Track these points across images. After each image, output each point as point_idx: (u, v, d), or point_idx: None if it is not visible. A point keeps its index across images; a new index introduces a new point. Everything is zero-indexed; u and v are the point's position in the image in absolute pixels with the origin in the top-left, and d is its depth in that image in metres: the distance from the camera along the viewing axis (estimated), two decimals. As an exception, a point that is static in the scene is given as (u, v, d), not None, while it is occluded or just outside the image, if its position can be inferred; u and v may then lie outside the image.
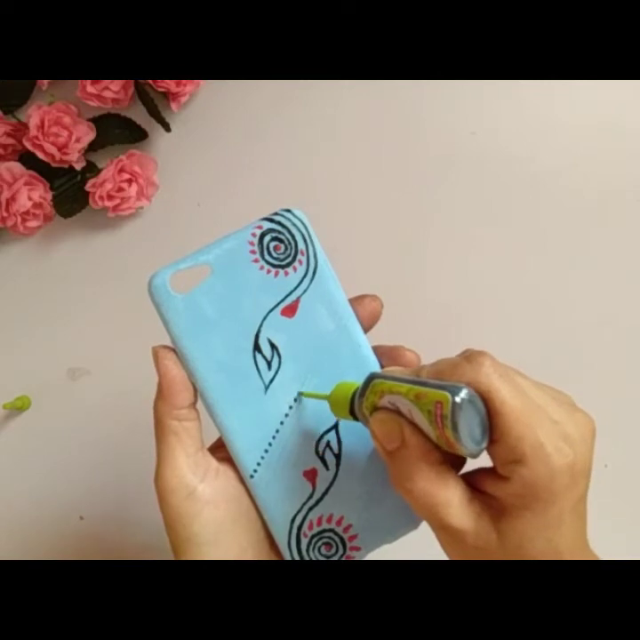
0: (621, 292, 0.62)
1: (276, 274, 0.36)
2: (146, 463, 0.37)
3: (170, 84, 0.59)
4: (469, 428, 0.28)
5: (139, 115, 0.62)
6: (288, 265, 0.36)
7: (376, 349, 0.37)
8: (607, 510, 0.61)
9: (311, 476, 0.36)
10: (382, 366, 0.37)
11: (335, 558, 0.36)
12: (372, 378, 0.32)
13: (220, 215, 0.61)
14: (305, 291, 0.36)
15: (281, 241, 0.36)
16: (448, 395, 0.27)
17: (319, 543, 0.36)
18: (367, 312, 0.37)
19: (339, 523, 0.36)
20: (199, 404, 0.36)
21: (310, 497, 0.36)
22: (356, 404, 0.32)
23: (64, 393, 0.63)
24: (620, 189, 0.62)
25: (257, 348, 0.36)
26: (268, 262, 0.36)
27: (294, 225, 0.36)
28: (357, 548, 0.37)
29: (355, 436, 0.36)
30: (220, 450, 0.37)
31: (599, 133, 0.63)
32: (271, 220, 0.36)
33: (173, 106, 0.61)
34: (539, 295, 0.62)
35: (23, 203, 0.59)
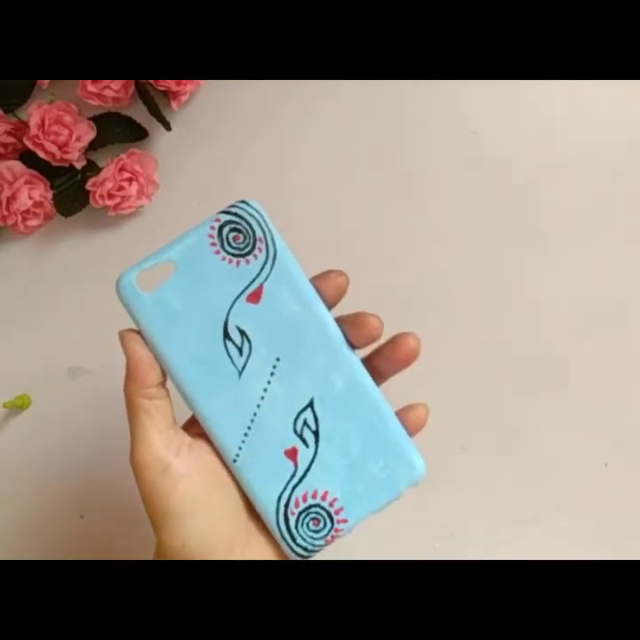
0: (622, 292, 0.62)
1: (238, 263, 0.37)
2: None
3: (170, 83, 0.59)
4: None
5: (139, 113, 0.62)
6: (248, 253, 0.37)
7: (338, 320, 0.37)
8: (607, 509, 0.61)
9: (292, 454, 0.37)
10: (348, 339, 0.37)
11: (324, 532, 0.37)
12: None
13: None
14: (267, 277, 0.37)
15: (239, 231, 0.37)
16: None
17: (307, 519, 0.37)
18: (332, 287, 0.37)
19: (324, 497, 0.37)
20: (170, 384, 0.37)
21: (293, 475, 0.37)
22: None
23: (64, 392, 0.63)
24: (620, 189, 0.62)
25: (227, 335, 0.37)
26: (228, 253, 0.37)
27: (251, 214, 0.37)
28: (345, 520, 0.37)
29: (332, 411, 0.37)
30: (193, 426, 0.38)
31: (599, 133, 0.62)
32: (228, 213, 0.37)
33: (174, 105, 0.61)
34: (539, 295, 0.62)
35: (23, 201, 0.59)
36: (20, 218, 0.60)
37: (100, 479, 0.61)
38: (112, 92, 0.60)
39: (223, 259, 0.37)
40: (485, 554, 0.59)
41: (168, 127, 0.62)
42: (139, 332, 0.37)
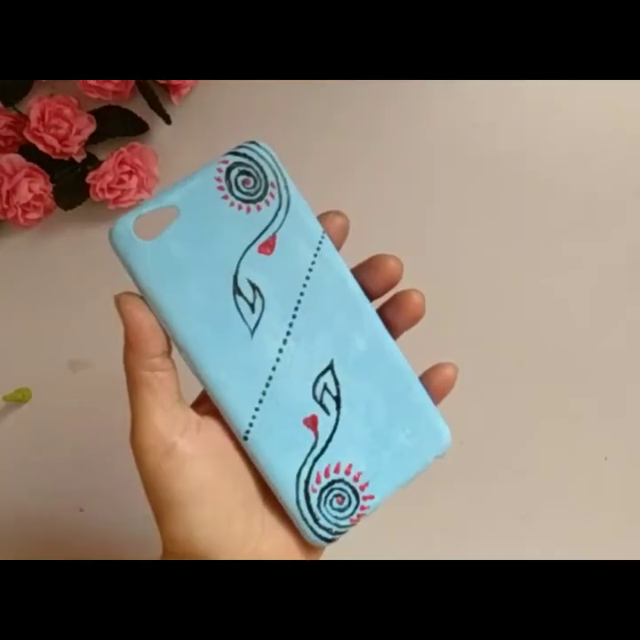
0: (621, 289, 0.62)
1: (248, 209, 0.33)
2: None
3: (170, 77, 0.59)
4: None
5: (139, 107, 0.62)
6: (260, 199, 0.33)
7: (355, 270, 0.35)
8: (607, 504, 0.61)
9: (312, 423, 0.33)
10: (365, 289, 0.35)
11: (349, 511, 0.34)
12: None
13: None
14: (280, 225, 0.33)
15: (249, 174, 0.33)
16: None
17: (330, 496, 0.33)
18: (335, 227, 0.35)
19: (348, 471, 0.34)
20: (175, 355, 0.34)
21: (314, 446, 0.33)
22: None
23: (65, 385, 0.63)
24: (620, 187, 0.62)
25: (237, 290, 0.33)
26: (238, 198, 0.33)
27: (261, 157, 0.34)
28: (371, 497, 0.34)
29: (353, 374, 0.34)
30: (202, 405, 0.35)
31: (599, 132, 0.62)
32: (236, 154, 0.34)
33: (174, 98, 0.61)
34: (539, 292, 0.62)
35: (23, 195, 0.59)
36: (19, 211, 0.60)
37: (99, 472, 0.61)
38: (112, 86, 0.59)
39: (232, 204, 0.33)
40: (485, 549, 0.59)
41: (168, 121, 0.62)
42: (139, 296, 0.33)
